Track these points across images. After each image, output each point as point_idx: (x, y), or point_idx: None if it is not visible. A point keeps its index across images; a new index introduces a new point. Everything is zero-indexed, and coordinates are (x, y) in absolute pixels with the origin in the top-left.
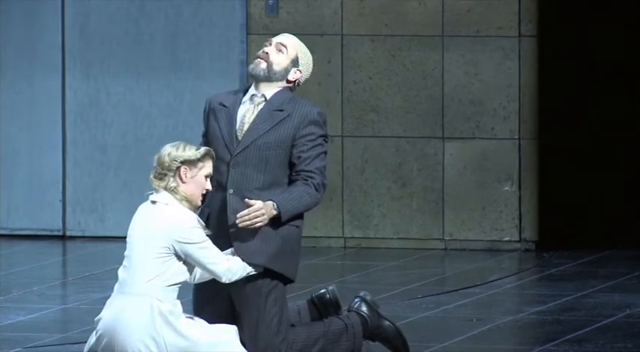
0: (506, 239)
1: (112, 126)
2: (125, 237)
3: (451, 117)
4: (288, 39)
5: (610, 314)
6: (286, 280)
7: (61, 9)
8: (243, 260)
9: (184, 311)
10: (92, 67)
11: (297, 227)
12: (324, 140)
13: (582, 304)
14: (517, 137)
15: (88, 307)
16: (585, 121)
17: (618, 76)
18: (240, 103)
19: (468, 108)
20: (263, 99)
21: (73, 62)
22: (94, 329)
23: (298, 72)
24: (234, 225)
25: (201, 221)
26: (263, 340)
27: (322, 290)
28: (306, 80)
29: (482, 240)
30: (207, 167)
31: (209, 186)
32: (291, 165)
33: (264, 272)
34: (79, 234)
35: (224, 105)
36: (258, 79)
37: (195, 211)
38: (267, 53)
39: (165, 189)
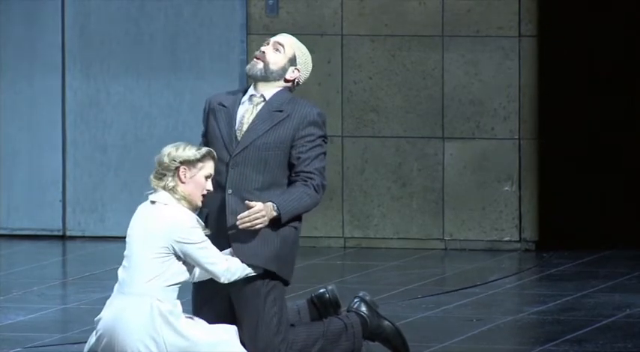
0: (506, 239)
1: (112, 126)
2: (125, 237)
3: (451, 117)
4: (285, 38)
5: (610, 314)
6: (285, 280)
7: (61, 9)
8: (241, 261)
9: (184, 311)
10: (92, 67)
11: (295, 228)
12: (324, 141)
13: (582, 304)
14: (517, 137)
15: (88, 307)
16: (585, 121)
17: (618, 76)
18: (239, 103)
19: (468, 108)
20: (262, 99)
21: (73, 62)
22: (94, 329)
23: (296, 71)
24: (233, 225)
25: (200, 221)
26: (263, 340)
27: (322, 290)
28: (306, 80)
29: (482, 240)
30: (208, 168)
31: (210, 187)
32: (291, 166)
33: (263, 273)
34: (79, 234)
35: (223, 106)
36: (255, 79)
37: (194, 211)
38: (263, 53)
39: (164, 188)
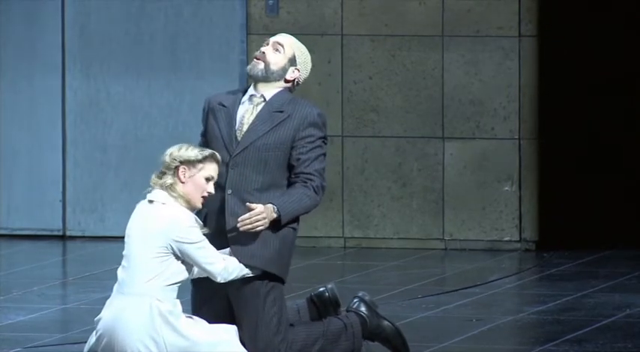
0: (507, 239)
1: (112, 126)
2: (124, 237)
3: (451, 117)
4: (284, 38)
5: (610, 314)
6: (284, 280)
7: (61, 9)
8: (241, 262)
9: (183, 310)
10: (92, 67)
11: (294, 229)
12: (324, 142)
13: (582, 304)
14: (517, 137)
15: (88, 307)
16: (585, 121)
17: (618, 76)
18: (239, 103)
19: (468, 108)
20: (262, 99)
21: (73, 62)
22: (94, 329)
23: (296, 71)
24: (233, 226)
25: (198, 220)
26: (262, 340)
27: (321, 289)
28: (306, 80)
29: (482, 240)
30: (209, 169)
31: (211, 190)
32: (290, 167)
33: (262, 274)
34: (79, 234)
35: (223, 105)
36: (256, 80)
37: (193, 212)
38: (264, 53)
39: (162, 186)
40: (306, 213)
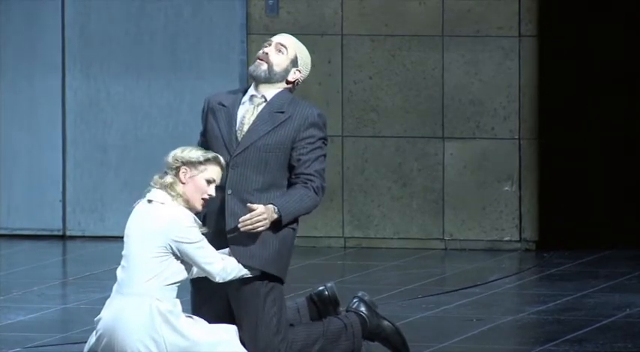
0: (507, 239)
1: (112, 126)
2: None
3: (451, 117)
4: (287, 39)
5: (610, 314)
6: (283, 281)
7: (61, 9)
8: (240, 262)
9: (183, 311)
10: (92, 67)
11: (293, 229)
12: (324, 143)
13: (582, 304)
14: (517, 137)
15: (88, 307)
16: (585, 121)
17: (618, 75)
18: (239, 103)
19: (468, 108)
20: (263, 100)
21: (73, 62)
22: (94, 329)
23: (298, 72)
24: (232, 226)
25: (197, 220)
26: (263, 340)
27: (321, 287)
28: (306, 80)
29: (483, 240)
30: (210, 172)
31: (212, 192)
32: (290, 168)
33: (261, 274)
34: (79, 233)
35: (223, 105)
36: (259, 81)
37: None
38: (267, 54)
39: (162, 186)
40: (307, 213)
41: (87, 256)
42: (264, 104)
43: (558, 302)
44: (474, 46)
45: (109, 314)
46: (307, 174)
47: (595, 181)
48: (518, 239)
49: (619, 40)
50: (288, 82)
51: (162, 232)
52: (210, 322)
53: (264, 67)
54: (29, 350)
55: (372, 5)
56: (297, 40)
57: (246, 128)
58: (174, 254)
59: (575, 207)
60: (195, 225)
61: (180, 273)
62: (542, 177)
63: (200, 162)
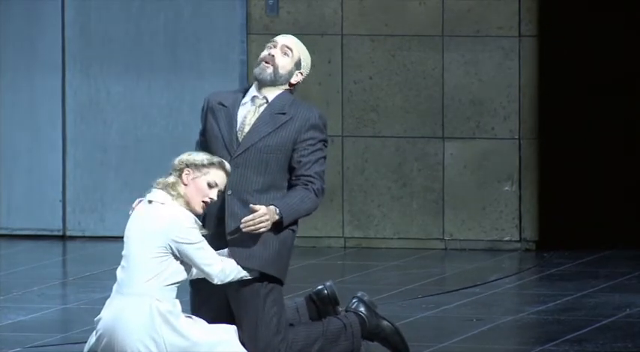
0: (507, 239)
1: (111, 126)
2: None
3: (451, 117)
4: (291, 41)
5: (610, 314)
6: (282, 281)
7: (61, 9)
8: (239, 263)
9: (182, 311)
10: (92, 66)
11: (293, 231)
12: (324, 145)
13: (582, 304)
14: (517, 137)
15: (88, 307)
16: (585, 121)
17: (618, 75)
18: (240, 104)
19: (468, 108)
20: (264, 101)
21: (73, 62)
22: (94, 329)
23: (300, 74)
24: (232, 227)
25: (197, 221)
26: (263, 340)
27: (320, 287)
28: (306, 80)
29: (483, 240)
30: (213, 175)
31: (213, 196)
32: (291, 169)
33: (261, 275)
34: (79, 233)
35: (223, 105)
36: (264, 84)
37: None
38: (273, 56)
39: (163, 185)
40: (307, 215)
41: (87, 256)
42: (265, 105)
43: (558, 302)
44: (474, 46)
45: (108, 314)
46: (308, 176)
47: (595, 181)
48: (518, 239)
49: (619, 40)
50: (290, 84)
51: (162, 232)
52: (209, 322)
53: (270, 70)
54: (29, 350)
55: (372, 5)
56: (299, 41)
57: (247, 129)
58: (173, 254)
59: (575, 207)
60: (196, 226)
61: (180, 274)
62: (542, 177)
63: (204, 165)
